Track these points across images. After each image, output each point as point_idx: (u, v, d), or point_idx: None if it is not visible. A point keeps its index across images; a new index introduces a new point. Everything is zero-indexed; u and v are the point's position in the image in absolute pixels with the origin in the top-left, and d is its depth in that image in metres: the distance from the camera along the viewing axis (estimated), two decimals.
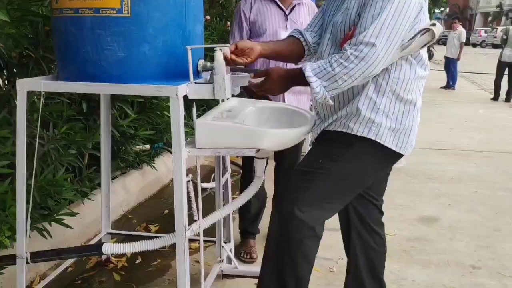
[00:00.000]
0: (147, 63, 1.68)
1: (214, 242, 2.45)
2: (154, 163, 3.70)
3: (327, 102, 1.61)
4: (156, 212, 3.44)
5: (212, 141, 1.68)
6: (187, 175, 1.71)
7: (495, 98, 9.40)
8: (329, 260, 2.71)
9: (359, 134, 1.64)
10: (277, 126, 1.95)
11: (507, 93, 9.31)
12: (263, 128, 1.71)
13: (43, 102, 1.81)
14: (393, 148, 1.67)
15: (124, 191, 3.41)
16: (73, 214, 2.43)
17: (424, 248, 2.95)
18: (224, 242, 2.40)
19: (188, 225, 1.75)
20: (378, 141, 1.64)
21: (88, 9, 1.63)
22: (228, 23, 5.60)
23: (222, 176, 2.19)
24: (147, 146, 3.65)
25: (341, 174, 1.69)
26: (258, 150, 1.68)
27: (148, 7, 1.64)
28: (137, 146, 3.51)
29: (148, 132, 3.27)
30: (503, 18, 44.13)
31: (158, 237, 2.58)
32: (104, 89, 1.69)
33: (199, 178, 1.81)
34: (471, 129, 6.68)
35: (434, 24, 1.59)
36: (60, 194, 2.49)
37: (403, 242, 3.02)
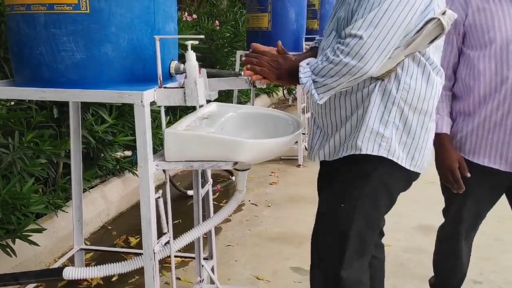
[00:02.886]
0: (110, 66, 1.49)
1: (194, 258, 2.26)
2: (136, 170, 3.49)
3: (315, 100, 1.41)
4: (137, 222, 3.18)
5: (183, 154, 1.50)
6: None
7: None
8: None
9: (368, 152, 1.43)
10: (260, 135, 1.76)
11: None
12: (241, 138, 1.52)
13: None
14: (407, 166, 1.47)
15: (103, 201, 3.21)
16: (39, 230, 2.23)
17: (422, 260, 2.76)
18: (205, 259, 2.21)
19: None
20: (391, 158, 1.44)
21: (41, 5, 1.44)
22: (217, 22, 5.41)
23: (202, 188, 2.00)
24: (128, 153, 3.45)
25: (367, 210, 1.51)
26: (236, 163, 1.49)
27: (110, 2, 1.45)
28: (117, 153, 3.31)
29: (128, 138, 3.08)
30: None
31: (132, 253, 2.40)
32: (60, 96, 1.49)
33: (168, 194, 1.62)
34: None
35: (444, 13, 1.34)
36: (28, 207, 2.29)
37: (399, 253, 2.83)
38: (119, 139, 3.05)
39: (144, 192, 1.49)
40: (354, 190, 1.49)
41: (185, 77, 1.58)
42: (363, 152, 1.44)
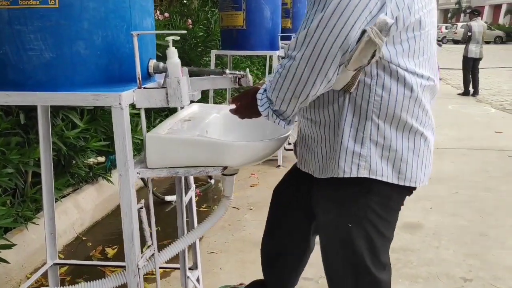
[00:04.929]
0: (83, 65, 1.35)
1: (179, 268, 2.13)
2: (110, 177, 3.33)
3: (283, 127, 1.35)
4: (114, 232, 3.08)
5: (167, 160, 1.37)
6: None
7: (465, 93, 9.39)
8: (309, 279, 2.44)
9: (346, 175, 1.32)
10: (247, 136, 1.65)
11: (474, 87, 9.32)
12: (229, 140, 1.41)
13: None
14: (395, 181, 1.34)
15: (77, 210, 3.04)
16: (8, 246, 2.06)
17: (410, 259, 2.72)
18: (189, 269, 2.08)
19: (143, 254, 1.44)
20: (373, 177, 1.32)
21: None
22: (190, 20, 5.27)
23: (185, 195, 1.87)
24: (102, 158, 3.28)
25: (376, 226, 1.40)
26: (225, 168, 1.38)
27: None
28: (90, 159, 3.14)
29: (101, 143, 2.91)
30: (462, 15, 45.27)
31: (110, 266, 2.25)
32: (28, 99, 1.35)
33: (151, 204, 1.50)
34: (442, 125, 6.54)
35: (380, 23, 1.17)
36: None
37: None
38: (92, 145, 2.88)
39: (125, 203, 1.36)
40: (353, 211, 1.39)
41: (165, 76, 1.47)
42: (340, 175, 1.34)
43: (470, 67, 9.29)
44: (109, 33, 1.38)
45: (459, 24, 33.11)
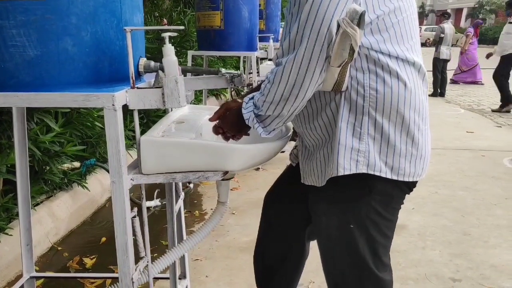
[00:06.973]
0: (70, 64, 1.25)
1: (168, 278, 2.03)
2: (86, 183, 3.18)
3: (259, 133, 1.32)
4: (91, 240, 2.94)
5: (163, 165, 1.28)
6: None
7: (435, 94, 9.58)
8: (299, 285, 2.37)
9: (346, 172, 1.27)
10: (243, 139, 1.57)
11: (442, 88, 9.54)
12: (230, 143, 1.34)
13: None
14: (394, 177, 1.29)
15: (51, 219, 2.87)
16: None
17: (397, 261, 2.69)
18: (178, 278, 1.98)
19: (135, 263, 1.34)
20: (372, 173, 1.27)
21: None
22: (165, 20, 5.14)
23: (175, 204, 1.77)
24: (77, 164, 3.13)
25: (378, 225, 1.36)
26: (226, 172, 1.30)
27: None
28: (65, 165, 2.98)
29: (76, 148, 2.77)
30: (430, 17, 46.48)
31: (90, 278, 2.13)
32: (10, 101, 1.23)
33: (145, 213, 1.40)
34: None
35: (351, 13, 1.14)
36: None
37: None
38: (67, 150, 2.73)
39: (118, 212, 1.25)
40: (355, 211, 1.34)
41: (157, 75, 1.38)
42: (340, 173, 1.29)
43: (441, 68, 9.50)
44: (98, 29, 1.28)
45: (423, 27, 33.91)
